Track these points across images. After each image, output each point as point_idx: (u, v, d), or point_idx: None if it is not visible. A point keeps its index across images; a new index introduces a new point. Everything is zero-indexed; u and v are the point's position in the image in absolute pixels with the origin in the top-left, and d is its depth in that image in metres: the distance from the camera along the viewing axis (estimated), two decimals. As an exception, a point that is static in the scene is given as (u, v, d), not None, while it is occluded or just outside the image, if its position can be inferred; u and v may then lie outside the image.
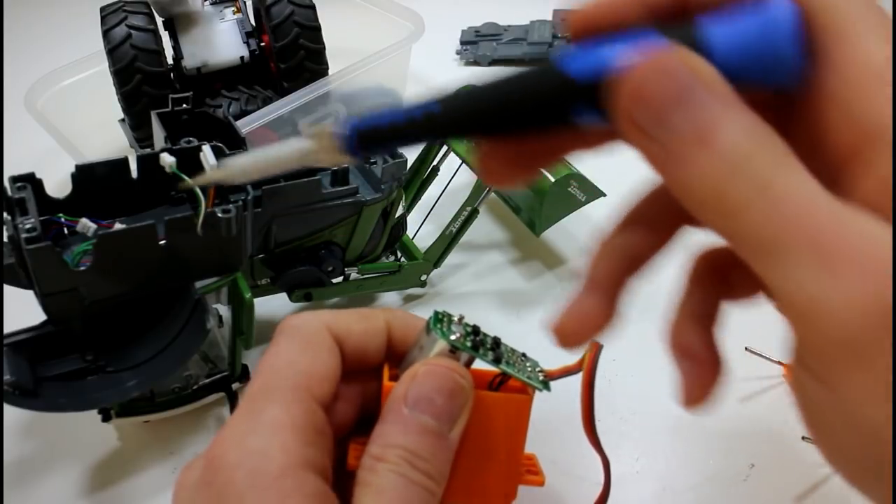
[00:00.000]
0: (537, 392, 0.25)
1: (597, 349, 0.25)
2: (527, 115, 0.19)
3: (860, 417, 0.16)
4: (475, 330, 0.25)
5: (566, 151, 0.22)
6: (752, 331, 0.49)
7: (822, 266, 0.15)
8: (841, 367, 0.16)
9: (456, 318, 0.25)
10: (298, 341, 0.24)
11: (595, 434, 0.26)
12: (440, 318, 0.24)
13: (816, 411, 0.17)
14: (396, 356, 0.26)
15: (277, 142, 0.21)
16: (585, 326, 0.22)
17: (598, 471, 0.27)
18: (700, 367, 0.23)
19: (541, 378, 0.25)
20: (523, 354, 0.26)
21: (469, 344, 0.24)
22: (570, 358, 0.25)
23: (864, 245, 0.15)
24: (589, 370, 0.25)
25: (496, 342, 0.25)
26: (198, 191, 0.36)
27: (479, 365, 0.24)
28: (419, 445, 0.22)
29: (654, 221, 0.23)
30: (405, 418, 0.22)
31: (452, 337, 0.24)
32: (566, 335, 0.22)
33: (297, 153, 0.21)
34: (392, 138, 0.20)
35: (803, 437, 0.41)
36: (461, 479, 0.24)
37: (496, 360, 0.24)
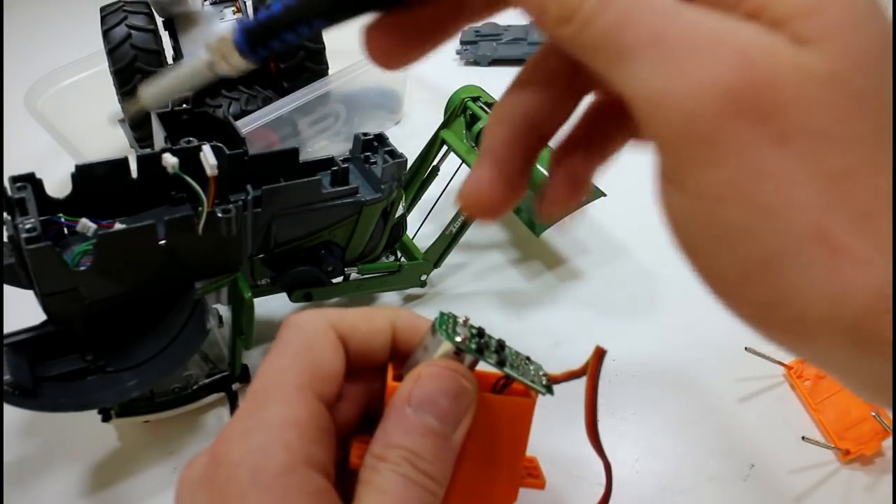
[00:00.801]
0: (540, 396, 0.25)
1: (600, 354, 0.25)
2: None
3: (718, 221, 0.15)
4: (480, 332, 0.25)
5: (455, 23, 0.21)
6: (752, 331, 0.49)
7: (664, 59, 0.15)
8: (692, 165, 0.15)
9: (461, 320, 0.25)
10: (303, 339, 0.24)
11: (598, 438, 0.26)
12: (445, 320, 0.24)
13: (681, 224, 0.16)
14: (400, 355, 0.26)
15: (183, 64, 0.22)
16: (487, 198, 0.22)
17: (597, 471, 0.27)
18: (562, 186, 0.24)
19: (544, 382, 0.25)
20: (527, 358, 0.26)
21: (474, 346, 0.24)
22: (572, 364, 0.25)
23: (709, 35, 0.15)
24: (592, 375, 0.25)
25: (501, 345, 0.25)
26: (199, 191, 0.36)
27: (483, 367, 0.24)
28: (422, 446, 0.22)
29: (546, 81, 0.21)
30: (408, 419, 0.22)
31: (457, 339, 0.24)
32: (469, 206, 0.22)
33: (199, 65, 0.22)
34: (276, 28, 0.20)
35: (803, 437, 0.41)
36: (462, 481, 0.24)
37: (500, 363, 0.24)
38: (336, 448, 0.24)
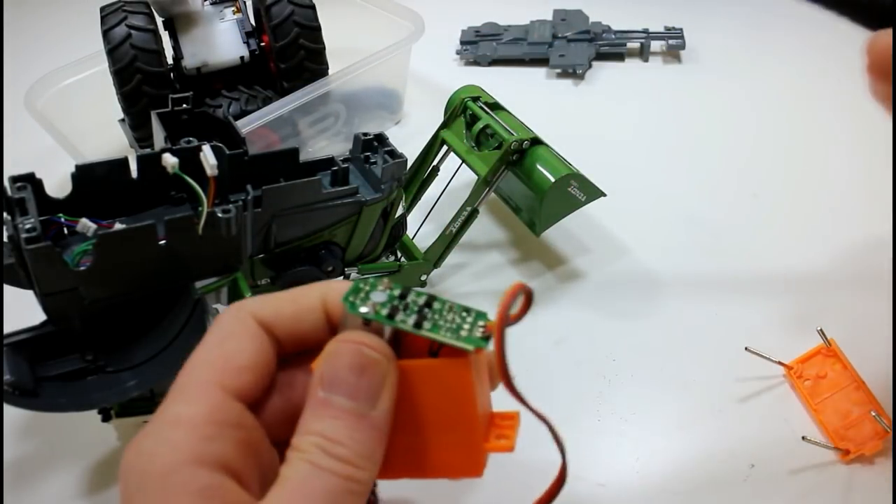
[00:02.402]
0: (514, 380, 0.23)
1: (518, 286, 0.23)
2: None
3: None
4: (403, 294, 0.23)
5: None
6: (752, 331, 0.49)
7: None
8: None
9: (381, 287, 0.23)
10: (217, 334, 0.24)
11: (510, 381, 0.23)
12: (357, 289, 0.23)
13: None
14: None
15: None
16: None
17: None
18: None
19: (479, 335, 0.23)
20: (465, 310, 0.24)
21: (384, 313, 0.22)
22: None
23: None
24: (504, 305, 0.23)
25: (428, 302, 0.23)
26: (199, 191, 0.36)
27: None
28: (333, 429, 0.21)
29: None
30: (320, 402, 0.22)
31: (363, 309, 0.22)
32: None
33: None
34: None
35: (803, 438, 0.41)
36: (409, 453, 0.23)
37: (417, 325, 0.22)
38: (258, 439, 0.23)
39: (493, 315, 0.23)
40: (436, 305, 0.23)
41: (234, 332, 0.24)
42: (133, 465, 0.21)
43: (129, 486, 0.21)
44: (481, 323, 0.23)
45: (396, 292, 0.23)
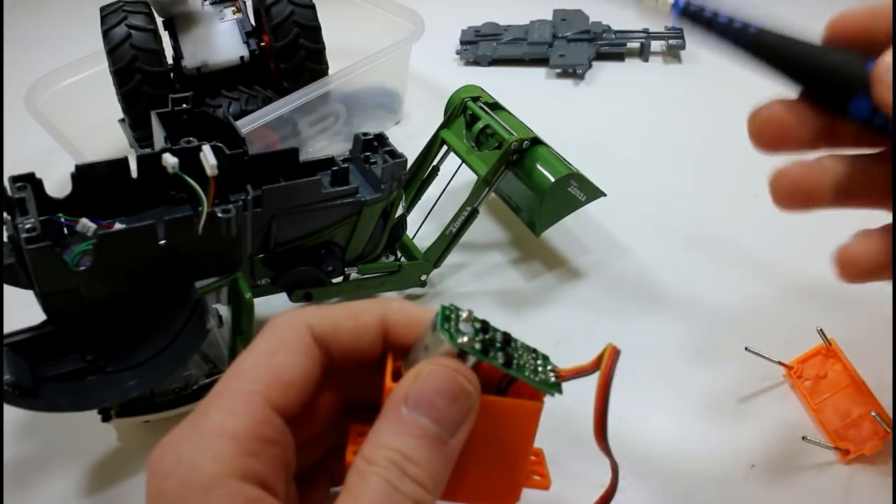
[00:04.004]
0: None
1: (615, 352, 0.24)
2: (821, 81, 0.27)
3: None
4: (484, 327, 0.24)
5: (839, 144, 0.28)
6: (752, 331, 0.49)
7: None
8: None
9: (464, 315, 0.23)
10: (272, 342, 0.24)
11: (606, 440, 0.25)
12: (447, 317, 0.23)
13: None
14: (398, 347, 0.25)
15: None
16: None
17: (598, 471, 0.27)
18: None
19: (552, 380, 0.24)
20: (534, 351, 0.25)
21: (479, 347, 0.23)
22: (575, 361, 0.25)
23: None
24: (606, 375, 0.24)
25: (506, 339, 0.24)
26: (199, 191, 0.36)
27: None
28: (414, 449, 0.21)
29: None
30: (403, 419, 0.21)
31: (461, 340, 0.22)
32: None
33: None
34: (711, 23, 0.28)
35: (803, 438, 0.41)
36: (460, 480, 0.23)
37: (506, 364, 0.23)
38: (291, 458, 0.23)
39: (553, 359, 0.25)
40: (513, 343, 0.24)
41: (288, 345, 0.23)
42: (173, 470, 0.21)
43: (168, 491, 0.20)
44: (550, 367, 0.24)
45: (478, 325, 0.24)
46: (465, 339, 0.23)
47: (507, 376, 0.24)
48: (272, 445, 0.22)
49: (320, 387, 0.24)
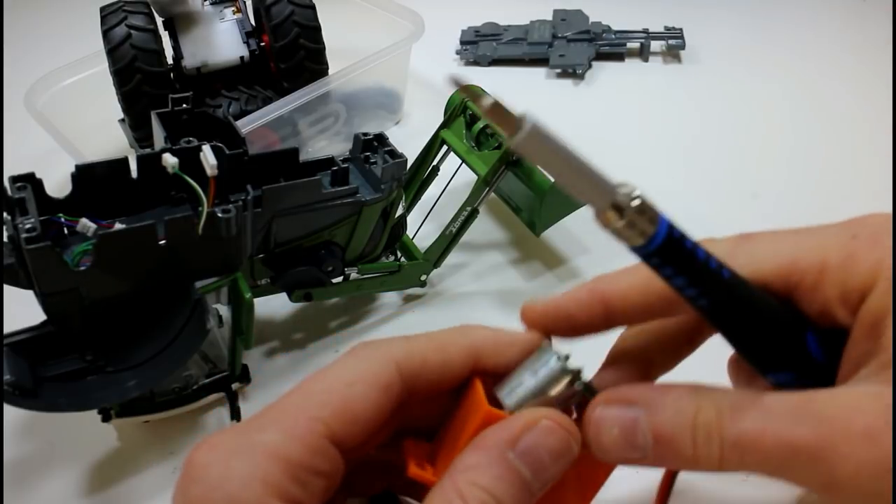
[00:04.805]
0: None
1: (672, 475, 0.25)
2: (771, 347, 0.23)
3: None
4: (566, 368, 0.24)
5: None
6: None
7: (816, 464, 0.19)
8: None
9: (563, 356, 0.24)
10: (353, 371, 0.23)
11: None
12: (562, 358, 0.24)
13: None
14: (488, 373, 0.25)
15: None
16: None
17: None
18: None
19: None
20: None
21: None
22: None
23: (837, 431, 0.19)
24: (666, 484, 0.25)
25: (588, 387, 0.24)
26: (199, 191, 0.36)
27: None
28: (508, 496, 0.21)
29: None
30: (507, 463, 0.21)
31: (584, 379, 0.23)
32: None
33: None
34: (690, 266, 0.21)
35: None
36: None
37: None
38: (331, 491, 0.23)
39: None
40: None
41: (370, 378, 0.23)
42: (221, 484, 0.20)
43: (212, 503, 0.20)
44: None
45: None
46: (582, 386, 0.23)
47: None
48: (322, 477, 0.22)
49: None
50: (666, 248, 0.20)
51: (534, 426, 0.22)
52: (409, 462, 0.24)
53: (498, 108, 0.18)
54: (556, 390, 0.23)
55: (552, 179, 0.49)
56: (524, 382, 0.23)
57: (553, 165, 0.19)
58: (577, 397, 0.23)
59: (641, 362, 0.27)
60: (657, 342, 0.27)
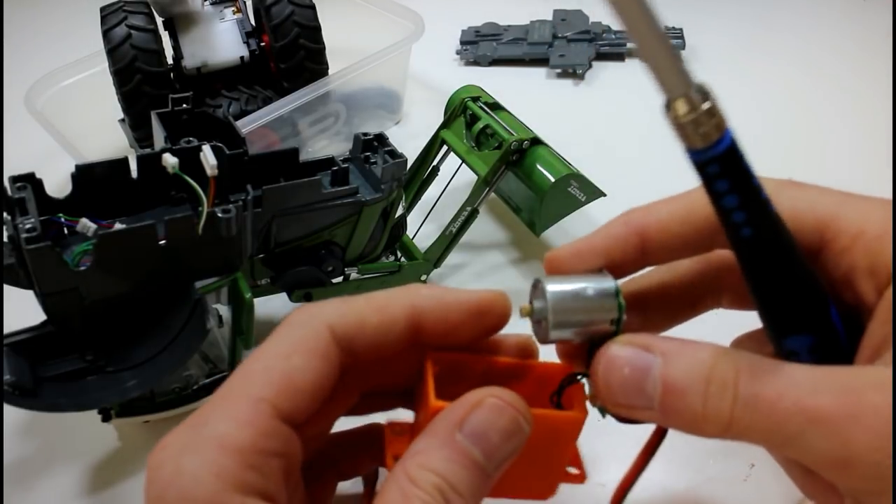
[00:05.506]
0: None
1: (661, 434, 0.24)
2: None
3: None
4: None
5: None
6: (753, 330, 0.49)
7: (828, 434, 0.19)
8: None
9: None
10: (287, 343, 0.22)
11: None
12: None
13: None
14: (433, 337, 0.24)
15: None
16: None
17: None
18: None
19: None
20: None
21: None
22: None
23: (849, 403, 0.19)
24: (647, 450, 0.24)
25: None
26: (199, 191, 0.36)
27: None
28: (461, 480, 0.21)
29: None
30: (455, 445, 0.21)
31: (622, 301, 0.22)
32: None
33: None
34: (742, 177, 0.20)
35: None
36: (501, 480, 0.23)
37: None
38: (294, 469, 0.22)
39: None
40: None
41: (304, 347, 0.22)
42: (172, 481, 0.20)
43: (167, 502, 0.20)
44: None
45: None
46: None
47: (562, 388, 0.24)
48: (277, 458, 0.21)
49: (336, 386, 0.23)
50: (727, 158, 0.19)
51: (480, 405, 0.22)
52: (388, 452, 0.24)
53: None
54: (598, 317, 0.22)
55: (552, 179, 0.49)
56: (577, 291, 0.22)
57: (638, 32, 0.18)
58: (601, 338, 0.23)
59: (637, 314, 0.26)
60: (657, 297, 0.26)
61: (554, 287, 0.23)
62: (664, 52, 0.18)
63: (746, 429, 0.20)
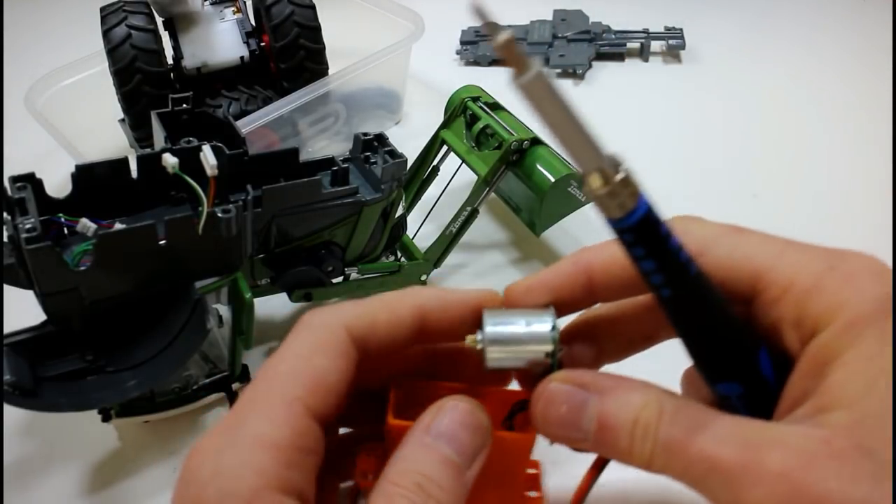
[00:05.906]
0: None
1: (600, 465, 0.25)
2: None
3: None
4: None
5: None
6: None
7: (730, 485, 0.20)
8: None
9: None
10: (308, 345, 0.23)
11: None
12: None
13: None
14: (436, 334, 0.25)
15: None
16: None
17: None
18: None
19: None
20: None
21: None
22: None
23: (757, 460, 0.19)
24: (598, 465, 0.25)
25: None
26: (199, 191, 0.36)
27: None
28: (439, 474, 0.22)
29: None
30: (427, 445, 0.22)
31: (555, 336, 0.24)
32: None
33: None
34: (657, 245, 0.20)
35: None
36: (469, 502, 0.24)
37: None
38: (320, 466, 0.23)
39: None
40: None
41: (326, 347, 0.23)
42: (212, 481, 0.20)
43: (207, 501, 0.20)
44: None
45: None
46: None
47: (512, 413, 0.25)
48: (311, 455, 0.22)
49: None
50: (641, 227, 0.20)
51: (442, 409, 0.23)
52: (357, 469, 0.25)
53: (511, 45, 0.18)
54: (532, 350, 0.24)
55: (552, 179, 0.49)
56: (513, 325, 0.24)
57: (550, 116, 0.19)
58: (542, 369, 0.24)
59: (592, 345, 0.27)
60: (609, 329, 0.28)
61: (491, 320, 0.24)
62: (575, 130, 0.19)
63: (664, 467, 0.22)
